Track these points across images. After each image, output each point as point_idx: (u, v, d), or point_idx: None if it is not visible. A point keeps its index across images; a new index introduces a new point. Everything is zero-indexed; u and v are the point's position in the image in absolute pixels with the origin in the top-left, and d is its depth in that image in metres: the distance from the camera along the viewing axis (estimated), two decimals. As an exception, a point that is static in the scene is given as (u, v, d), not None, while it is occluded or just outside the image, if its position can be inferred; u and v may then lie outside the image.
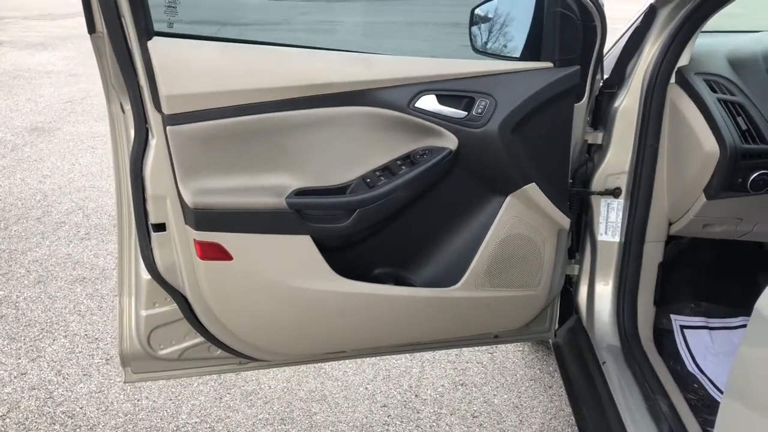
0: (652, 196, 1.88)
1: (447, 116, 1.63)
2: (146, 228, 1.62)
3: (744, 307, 2.25)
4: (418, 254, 1.78)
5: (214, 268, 1.59)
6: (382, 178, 1.63)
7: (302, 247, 1.61)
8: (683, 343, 2.13)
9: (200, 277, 1.62)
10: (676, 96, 1.79)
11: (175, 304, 1.71)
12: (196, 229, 1.55)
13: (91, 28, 1.52)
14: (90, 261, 3.37)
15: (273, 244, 1.60)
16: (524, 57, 1.79)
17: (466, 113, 1.63)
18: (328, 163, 1.62)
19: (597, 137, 1.90)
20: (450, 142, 1.63)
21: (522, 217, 1.76)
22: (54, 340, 2.71)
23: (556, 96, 1.68)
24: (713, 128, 1.69)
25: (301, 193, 1.59)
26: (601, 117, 1.91)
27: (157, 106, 1.47)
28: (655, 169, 1.86)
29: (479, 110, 1.63)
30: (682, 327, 2.17)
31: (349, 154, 1.63)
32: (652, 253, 1.95)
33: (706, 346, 2.13)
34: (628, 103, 1.84)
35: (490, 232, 1.75)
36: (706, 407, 1.88)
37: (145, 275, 1.69)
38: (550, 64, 1.69)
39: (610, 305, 2.00)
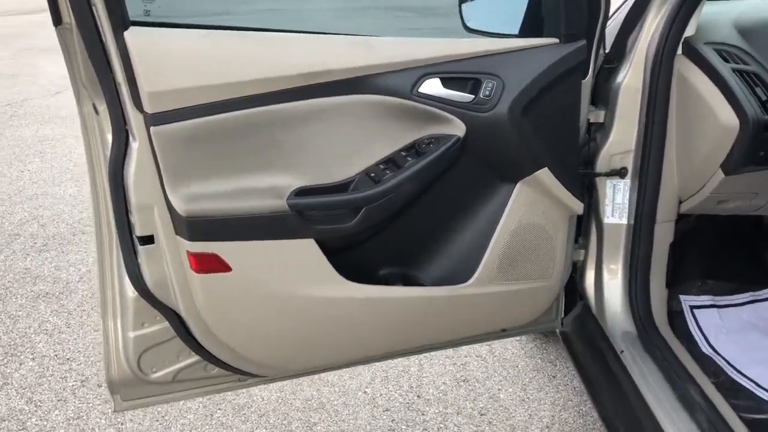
0: (661, 174, 1.80)
1: (453, 101, 1.51)
2: (131, 241, 1.45)
3: (750, 282, 2.20)
4: (427, 250, 1.66)
5: (211, 281, 1.44)
6: (387, 171, 1.51)
7: (306, 251, 1.47)
8: (695, 324, 2.06)
9: (196, 292, 1.47)
10: (685, 68, 1.71)
11: (167, 323, 1.56)
12: (190, 240, 1.39)
13: (57, 19, 1.34)
14: (51, 274, 3.14)
15: (275, 250, 1.45)
16: (524, 33, 1.69)
17: (473, 96, 1.52)
18: (329, 158, 1.49)
19: (599, 116, 1.80)
20: (457, 128, 1.51)
21: (534, 204, 1.65)
22: (21, 364, 2.50)
23: (565, 74, 1.58)
24: (731, 100, 1.60)
25: (301, 192, 1.45)
26: (601, 94, 1.81)
27: (138, 104, 1.31)
28: (664, 146, 1.77)
29: (487, 92, 1.52)
30: (692, 307, 2.11)
31: (351, 148, 1.50)
32: (663, 234, 1.87)
33: (717, 325, 2.07)
34: (631, 78, 1.74)
35: (501, 223, 1.64)
36: (727, 390, 1.81)
37: (131, 293, 1.53)
38: (555, 40, 1.58)
39: (621, 290, 1.91)
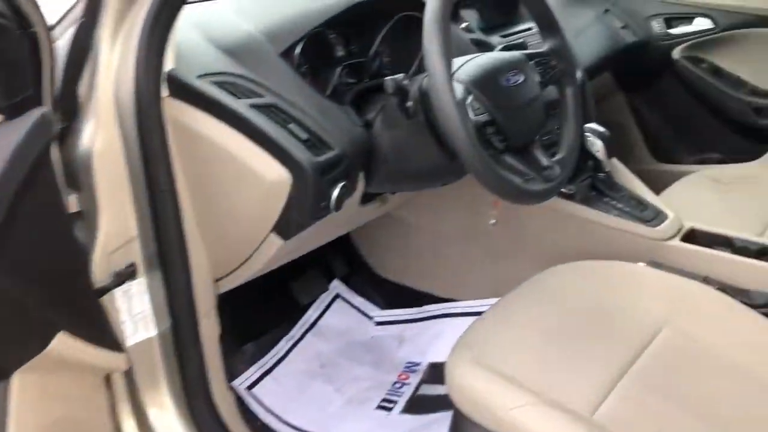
0: (188, 256, 1.30)
1: None
2: None
3: (286, 322, 1.93)
4: None
5: None
6: None
7: None
8: (257, 404, 1.68)
9: None
10: (182, 114, 1.22)
11: None
12: None
13: None
14: None
15: None
16: None
17: None
18: None
19: (71, 203, 1.18)
20: None
21: (52, 398, 0.98)
22: None
23: (35, 166, 0.94)
24: (271, 149, 1.20)
25: None
26: (64, 169, 1.19)
27: None
28: (181, 220, 1.27)
29: None
30: (248, 388, 1.71)
31: None
32: (210, 328, 1.39)
33: (278, 393, 1.72)
34: (102, 140, 1.15)
35: None
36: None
37: None
38: None
39: (179, 423, 1.37)
